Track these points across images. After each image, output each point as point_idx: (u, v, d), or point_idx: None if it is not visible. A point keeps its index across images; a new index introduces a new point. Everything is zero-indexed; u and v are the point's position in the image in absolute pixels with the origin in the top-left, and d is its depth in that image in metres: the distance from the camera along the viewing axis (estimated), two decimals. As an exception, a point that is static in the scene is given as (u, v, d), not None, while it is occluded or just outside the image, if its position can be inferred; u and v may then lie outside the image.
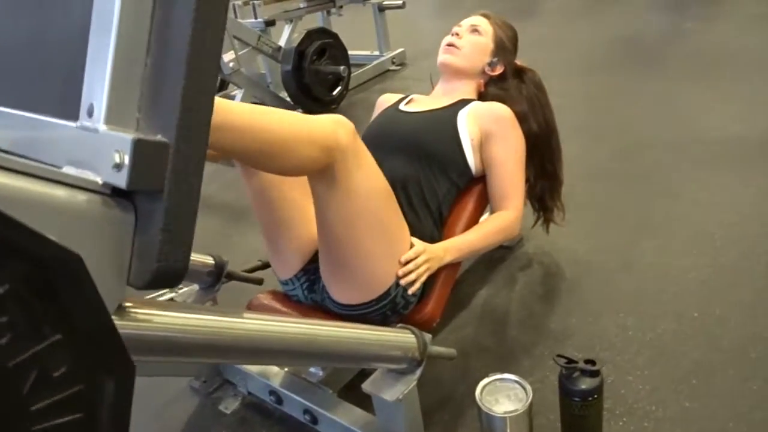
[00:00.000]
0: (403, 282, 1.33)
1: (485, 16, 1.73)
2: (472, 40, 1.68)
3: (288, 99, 3.42)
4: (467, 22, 1.72)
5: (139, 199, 0.66)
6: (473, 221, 1.57)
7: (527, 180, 1.78)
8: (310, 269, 1.43)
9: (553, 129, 1.73)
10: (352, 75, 3.80)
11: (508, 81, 1.72)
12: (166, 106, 0.65)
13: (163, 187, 0.64)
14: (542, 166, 1.77)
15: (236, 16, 3.56)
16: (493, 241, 1.53)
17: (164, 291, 1.52)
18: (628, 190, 2.23)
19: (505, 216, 1.55)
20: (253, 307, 1.50)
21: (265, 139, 1.09)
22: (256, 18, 3.54)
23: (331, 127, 1.16)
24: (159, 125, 0.65)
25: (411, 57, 4.32)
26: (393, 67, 4.21)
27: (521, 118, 1.70)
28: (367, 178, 1.24)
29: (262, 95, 3.38)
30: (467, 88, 1.69)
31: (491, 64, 1.69)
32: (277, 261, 1.48)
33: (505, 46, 1.70)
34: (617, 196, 2.20)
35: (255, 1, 3.51)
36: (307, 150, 1.13)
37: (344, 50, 3.54)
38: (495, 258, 1.91)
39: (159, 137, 0.64)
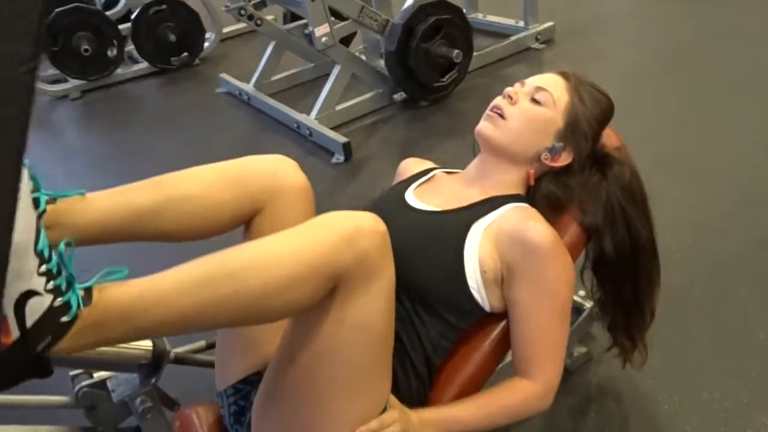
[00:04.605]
0: None
1: (564, 76, 1.18)
2: (528, 111, 1.15)
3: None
4: (533, 81, 1.18)
5: None
6: (479, 382, 1.12)
7: (598, 300, 1.27)
8: (245, 390, 1.09)
9: (641, 250, 1.18)
10: (484, 49, 3.26)
11: (576, 176, 1.18)
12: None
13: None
14: (617, 294, 1.24)
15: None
16: (500, 420, 1.06)
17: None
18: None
19: (527, 387, 1.06)
20: (180, 422, 1.21)
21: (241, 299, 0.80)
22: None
23: (346, 242, 0.83)
24: None
25: (561, 34, 3.59)
26: (536, 45, 3.52)
27: (590, 232, 1.17)
28: (369, 311, 0.90)
29: (362, 72, 2.98)
30: (509, 178, 1.18)
31: (552, 151, 1.16)
32: (220, 358, 1.17)
33: (581, 129, 1.15)
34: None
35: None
36: (303, 290, 0.83)
37: (466, 29, 2.97)
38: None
39: None
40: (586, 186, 1.18)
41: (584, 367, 1.49)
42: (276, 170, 1.07)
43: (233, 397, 1.11)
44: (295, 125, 2.94)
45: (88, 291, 0.76)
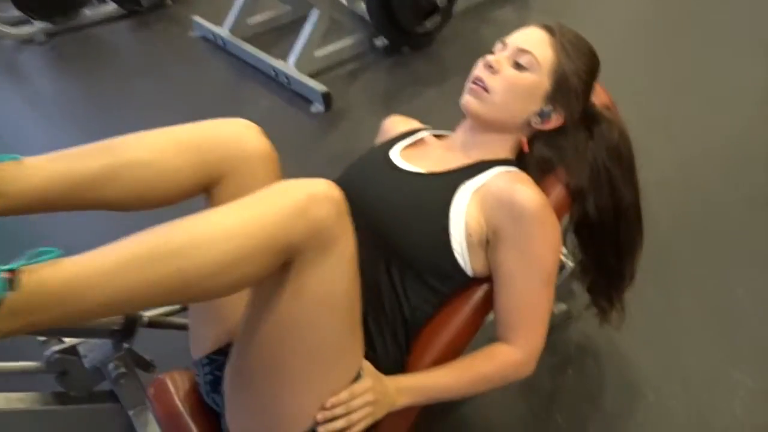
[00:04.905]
0: (322, 431, 0.92)
1: (548, 30, 1.10)
2: (512, 79, 1.07)
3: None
4: (515, 41, 1.09)
5: None
6: (459, 346, 1.10)
7: (579, 261, 1.25)
8: (219, 361, 1.06)
9: (624, 214, 1.15)
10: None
11: (568, 135, 1.13)
12: None
13: None
14: (599, 257, 1.22)
15: None
16: (480, 387, 1.04)
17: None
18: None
19: (508, 354, 1.04)
20: (154, 389, 1.19)
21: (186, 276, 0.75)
22: None
23: (298, 213, 0.79)
24: None
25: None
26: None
27: (575, 194, 1.13)
28: (328, 280, 0.85)
29: (341, 16, 2.86)
30: (499, 145, 1.13)
31: (542, 115, 1.10)
32: (192, 327, 1.13)
33: (571, 87, 1.09)
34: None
35: None
36: (253, 265, 0.78)
37: (450, -31, 2.85)
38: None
39: None
40: (577, 146, 1.13)
41: (564, 324, 1.48)
42: (237, 136, 1.00)
43: (208, 367, 1.08)
44: (273, 72, 2.83)
45: (14, 273, 0.69)
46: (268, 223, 0.78)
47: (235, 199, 0.82)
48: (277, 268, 0.82)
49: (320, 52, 2.85)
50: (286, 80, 2.75)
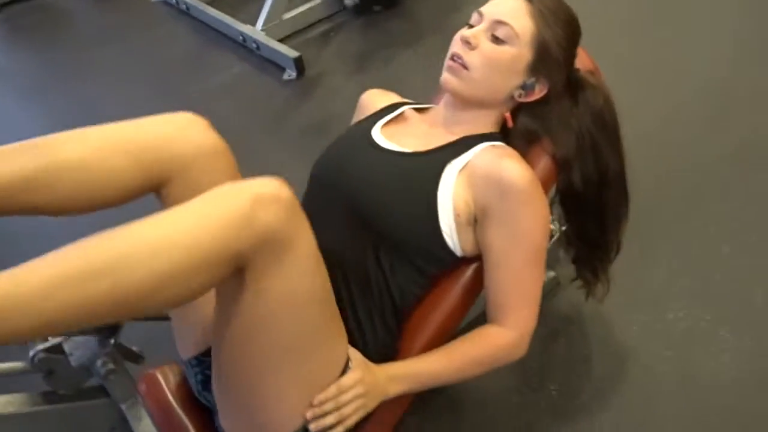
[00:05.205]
0: (313, 428, 0.92)
1: None
2: (490, 54, 1.03)
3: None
4: (491, 13, 1.04)
5: None
6: (451, 327, 1.09)
7: (564, 232, 1.24)
8: (207, 361, 1.05)
9: (609, 183, 1.14)
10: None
11: (552, 104, 1.10)
12: None
13: None
14: (584, 228, 1.21)
15: None
16: (472, 371, 1.04)
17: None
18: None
19: (500, 337, 1.03)
20: (146, 385, 1.17)
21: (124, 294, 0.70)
22: None
23: (243, 221, 0.74)
24: None
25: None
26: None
27: (561, 164, 1.12)
28: (289, 279, 0.82)
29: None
30: (483, 120, 1.10)
31: (525, 87, 1.07)
32: (175, 328, 1.11)
33: (552, 56, 1.05)
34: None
35: None
36: (198, 278, 0.74)
37: None
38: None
39: None
40: (562, 115, 1.10)
41: (552, 292, 1.49)
42: (180, 133, 0.94)
43: (198, 367, 1.07)
44: (241, 38, 2.73)
45: None
46: (210, 233, 0.73)
47: (187, 200, 0.77)
48: (230, 274, 0.78)
49: (288, 14, 2.75)
50: (255, 46, 2.65)
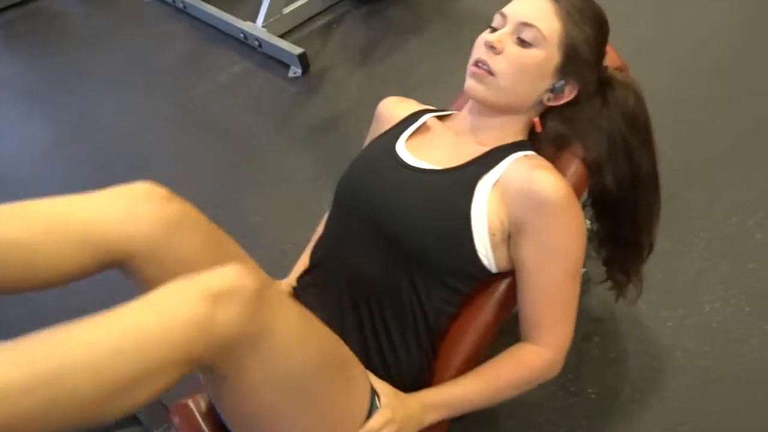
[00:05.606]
0: None
1: None
2: (517, 58, 0.97)
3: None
4: (516, 14, 0.98)
5: None
6: (485, 344, 1.06)
7: (595, 233, 1.21)
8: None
9: (642, 183, 1.10)
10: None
11: (582, 106, 1.05)
12: None
13: None
14: (615, 228, 1.17)
15: None
16: (509, 394, 1.00)
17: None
18: None
19: (535, 358, 0.99)
20: (178, 415, 1.15)
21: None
22: None
23: (198, 329, 0.67)
24: None
25: None
26: None
27: (593, 168, 1.08)
28: (275, 362, 0.76)
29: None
30: (509, 128, 1.05)
31: (554, 91, 1.02)
32: None
33: (582, 57, 1.00)
34: None
35: None
36: (152, 385, 0.66)
37: None
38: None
39: None
40: (592, 117, 1.05)
41: (584, 288, 1.45)
42: (134, 211, 0.83)
43: None
44: (241, 36, 2.67)
45: None
46: (162, 341, 0.65)
47: (154, 279, 0.71)
48: (201, 370, 0.74)
49: (289, 8, 2.68)
50: (257, 43, 2.60)
